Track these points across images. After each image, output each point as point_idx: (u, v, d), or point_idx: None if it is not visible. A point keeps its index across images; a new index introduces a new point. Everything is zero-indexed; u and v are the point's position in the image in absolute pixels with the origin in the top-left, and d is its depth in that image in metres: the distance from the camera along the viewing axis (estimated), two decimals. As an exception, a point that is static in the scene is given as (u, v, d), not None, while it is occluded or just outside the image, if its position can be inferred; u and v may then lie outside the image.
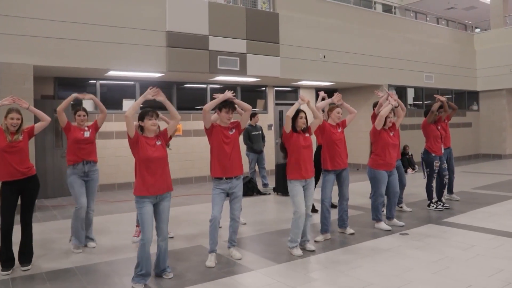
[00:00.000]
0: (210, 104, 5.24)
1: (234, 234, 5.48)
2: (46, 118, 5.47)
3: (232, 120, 5.42)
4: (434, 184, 8.08)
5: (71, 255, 5.67)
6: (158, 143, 4.70)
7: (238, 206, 5.42)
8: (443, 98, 8.16)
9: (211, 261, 5.19)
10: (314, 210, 7.77)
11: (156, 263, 4.80)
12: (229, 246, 5.50)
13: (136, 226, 6.45)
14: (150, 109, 4.70)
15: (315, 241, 6.03)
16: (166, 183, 4.69)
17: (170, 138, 4.97)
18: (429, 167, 8.06)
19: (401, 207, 7.99)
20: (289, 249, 5.58)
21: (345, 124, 6.45)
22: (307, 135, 5.63)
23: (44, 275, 4.92)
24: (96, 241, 6.15)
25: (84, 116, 6.06)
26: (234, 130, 5.37)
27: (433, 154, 8.00)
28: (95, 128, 6.15)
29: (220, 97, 5.28)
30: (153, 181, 4.57)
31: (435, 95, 8.43)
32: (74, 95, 5.89)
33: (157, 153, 4.62)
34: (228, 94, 5.32)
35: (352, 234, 6.47)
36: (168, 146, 5.04)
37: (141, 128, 4.68)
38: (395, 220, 6.96)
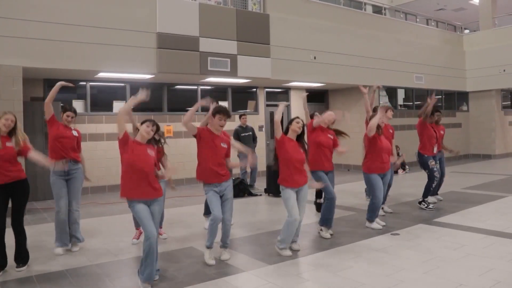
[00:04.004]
0: (188, 116, 5.16)
1: (226, 237, 5.45)
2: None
3: (224, 135, 5.38)
4: (434, 184, 8.11)
5: (61, 257, 5.62)
6: (150, 152, 4.64)
7: (229, 208, 5.38)
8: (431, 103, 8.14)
9: (211, 258, 5.23)
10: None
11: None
12: (221, 246, 5.49)
13: (136, 228, 6.41)
14: (153, 120, 4.72)
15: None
16: (154, 189, 4.60)
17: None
18: (427, 168, 8.10)
19: (382, 207, 7.95)
20: (278, 249, 5.57)
21: (337, 141, 6.57)
22: (302, 150, 5.60)
23: (35, 278, 4.88)
24: (83, 240, 6.06)
25: (72, 118, 5.95)
26: (226, 146, 5.33)
27: (426, 155, 8.05)
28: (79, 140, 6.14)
29: (196, 105, 5.21)
30: (138, 187, 4.50)
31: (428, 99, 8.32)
32: (61, 83, 5.70)
33: (144, 162, 4.52)
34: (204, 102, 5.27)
35: (331, 234, 6.48)
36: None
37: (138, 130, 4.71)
38: (377, 220, 6.97)
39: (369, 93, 8.04)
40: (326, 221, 6.41)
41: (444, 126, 8.94)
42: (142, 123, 4.71)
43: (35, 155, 5.20)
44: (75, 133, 6.00)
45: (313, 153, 6.32)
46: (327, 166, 6.41)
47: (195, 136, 5.28)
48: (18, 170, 5.16)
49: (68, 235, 5.92)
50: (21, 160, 5.29)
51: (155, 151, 4.78)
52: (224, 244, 5.48)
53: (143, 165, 4.51)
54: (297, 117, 5.67)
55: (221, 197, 5.32)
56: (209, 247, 5.29)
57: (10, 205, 5.16)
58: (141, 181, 4.50)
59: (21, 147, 5.15)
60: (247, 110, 13.63)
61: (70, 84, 5.81)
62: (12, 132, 5.13)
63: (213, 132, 5.27)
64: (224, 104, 12.72)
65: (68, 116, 5.93)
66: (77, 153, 6.02)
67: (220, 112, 5.20)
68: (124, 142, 4.53)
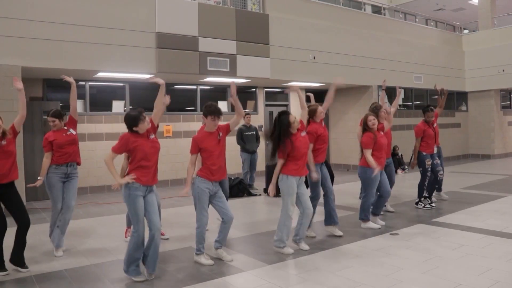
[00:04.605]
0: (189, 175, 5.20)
1: (226, 236, 5.42)
2: (23, 111, 5.26)
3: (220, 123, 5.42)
4: (427, 183, 8.14)
5: (60, 257, 5.62)
6: (152, 137, 4.86)
7: (227, 204, 5.37)
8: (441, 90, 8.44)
9: (207, 259, 5.25)
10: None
11: (146, 253, 4.76)
12: (218, 247, 5.45)
13: (128, 227, 6.41)
14: (138, 111, 4.76)
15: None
16: (155, 176, 4.88)
17: (157, 126, 5.19)
18: (421, 166, 8.13)
19: (385, 205, 7.98)
20: (277, 249, 5.57)
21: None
22: (303, 134, 5.61)
23: (34, 278, 4.88)
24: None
25: (53, 122, 5.85)
26: (221, 134, 5.35)
27: (424, 153, 8.08)
28: (73, 123, 6.01)
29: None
30: (147, 173, 4.72)
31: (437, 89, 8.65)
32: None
33: (152, 149, 4.78)
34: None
35: (341, 236, 6.46)
36: None
37: (134, 131, 4.73)
38: (378, 219, 6.98)
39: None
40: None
41: (443, 125, 8.98)
42: (137, 124, 4.72)
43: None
44: (70, 131, 5.90)
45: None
46: (321, 158, 6.35)
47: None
48: (15, 170, 5.15)
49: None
50: (19, 160, 5.28)
51: (153, 129, 4.98)
52: (222, 245, 5.44)
53: (155, 153, 4.81)
54: (290, 115, 5.52)
55: (215, 194, 5.31)
56: (200, 253, 5.29)
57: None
58: (150, 167, 4.74)
59: (12, 134, 5.15)
60: (247, 110, 13.62)
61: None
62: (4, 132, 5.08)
63: (208, 131, 5.29)
64: (223, 104, 12.74)
65: (48, 121, 5.89)
66: (79, 156, 6.01)
67: (212, 113, 5.21)
68: (129, 149, 4.69)
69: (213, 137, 5.27)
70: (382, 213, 7.62)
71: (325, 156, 6.45)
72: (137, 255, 4.68)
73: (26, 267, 5.10)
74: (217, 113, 5.22)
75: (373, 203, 6.96)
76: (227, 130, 5.39)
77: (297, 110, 14.39)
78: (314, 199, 6.29)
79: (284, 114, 5.53)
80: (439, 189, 9.04)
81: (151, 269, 4.77)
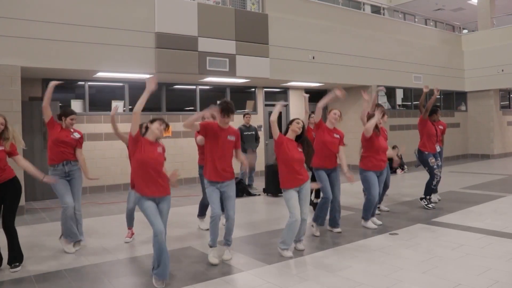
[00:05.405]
0: (189, 122, 5.15)
1: (229, 234, 5.44)
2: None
3: (232, 127, 5.44)
4: (435, 182, 8.13)
5: (60, 257, 5.61)
6: (159, 150, 4.74)
7: (232, 205, 5.36)
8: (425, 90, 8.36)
9: (214, 256, 5.26)
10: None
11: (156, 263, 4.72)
12: (223, 244, 5.48)
13: (128, 228, 6.42)
14: (163, 119, 4.82)
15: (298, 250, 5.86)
16: (162, 187, 4.69)
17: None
18: (427, 165, 8.12)
19: (379, 207, 7.97)
20: (279, 250, 5.56)
21: (342, 140, 6.56)
22: (300, 150, 5.59)
23: (33, 278, 4.87)
24: (84, 241, 6.10)
25: (75, 120, 6.03)
26: (234, 138, 5.36)
27: (426, 152, 8.07)
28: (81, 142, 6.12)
29: (198, 114, 5.31)
30: (148, 185, 4.60)
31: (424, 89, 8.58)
32: (53, 83, 5.87)
33: (154, 161, 4.62)
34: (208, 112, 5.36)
35: (339, 232, 6.55)
36: None
37: (146, 129, 4.74)
38: (370, 222, 6.98)
39: (369, 92, 8.08)
40: (317, 218, 6.49)
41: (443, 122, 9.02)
42: (152, 122, 4.74)
43: (25, 163, 5.26)
44: (76, 135, 5.98)
45: (317, 151, 6.34)
46: (329, 164, 6.42)
47: (199, 133, 5.31)
48: (8, 170, 5.16)
49: (76, 231, 5.90)
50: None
51: (164, 150, 4.85)
52: (227, 242, 5.46)
53: (154, 164, 4.63)
54: (297, 118, 5.69)
55: (222, 193, 5.32)
56: (212, 246, 5.30)
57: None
58: (151, 179, 4.61)
59: (9, 149, 5.15)
60: (246, 110, 13.62)
61: (61, 82, 6.04)
62: (1, 135, 5.12)
63: (220, 126, 5.30)
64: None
65: (72, 119, 5.96)
66: (73, 156, 6.01)
67: (223, 110, 5.23)
68: (137, 139, 4.60)
69: (223, 134, 5.27)
70: (378, 212, 7.65)
71: (333, 162, 6.49)
72: (160, 258, 4.50)
73: (14, 267, 5.10)
74: (226, 111, 5.22)
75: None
76: (237, 142, 5.43)
77: (297, 111, 14.43)
78: (325, 199, 6.37)
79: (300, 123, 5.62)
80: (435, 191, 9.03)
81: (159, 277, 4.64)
